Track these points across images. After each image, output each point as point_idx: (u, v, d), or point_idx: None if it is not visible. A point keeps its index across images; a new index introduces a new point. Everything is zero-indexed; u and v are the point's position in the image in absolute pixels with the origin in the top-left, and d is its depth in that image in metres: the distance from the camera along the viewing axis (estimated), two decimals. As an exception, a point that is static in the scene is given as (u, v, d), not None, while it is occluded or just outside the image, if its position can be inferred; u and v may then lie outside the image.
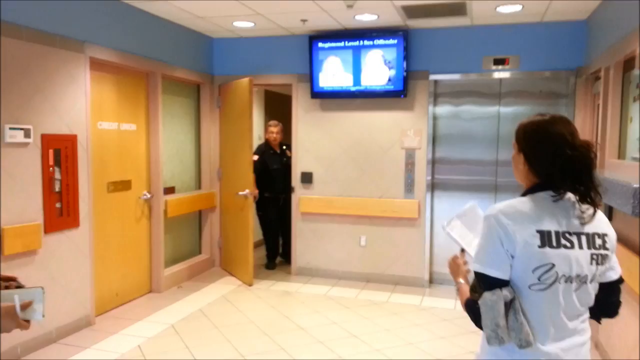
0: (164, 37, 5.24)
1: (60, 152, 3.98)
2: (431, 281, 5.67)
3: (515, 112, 5.34)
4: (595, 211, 1.48)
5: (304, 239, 6.00)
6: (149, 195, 5.14)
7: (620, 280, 1.59)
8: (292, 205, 6.01)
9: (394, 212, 5.64)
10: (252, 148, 5.55)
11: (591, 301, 1.51)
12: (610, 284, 1.57)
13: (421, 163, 5.56)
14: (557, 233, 1.43)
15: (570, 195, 1.48)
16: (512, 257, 1.43)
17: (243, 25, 5.38)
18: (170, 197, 5.42)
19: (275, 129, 6.18)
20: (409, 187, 5.62)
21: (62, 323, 4.03)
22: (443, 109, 5.56)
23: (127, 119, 4.90)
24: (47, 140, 3.86)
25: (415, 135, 5.55)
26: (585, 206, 1.47)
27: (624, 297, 3.21)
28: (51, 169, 3.91)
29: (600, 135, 4.11)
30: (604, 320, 1.69)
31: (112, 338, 4.09)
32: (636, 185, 2.25)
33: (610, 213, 3.56)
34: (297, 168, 5.96)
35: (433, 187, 5.62)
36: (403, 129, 5.59)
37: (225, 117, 6.03)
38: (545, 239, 1.42)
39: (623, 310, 3.22)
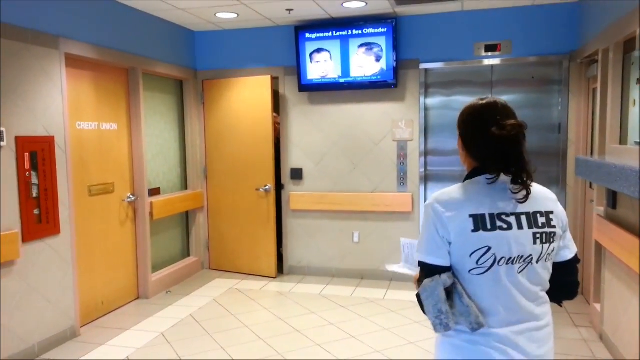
0: (143, 31, 5.01)
1: (36, 155, 3.75)
2: (427, 275, 5.54)
3: (507, 101, 5.11)
4: (528, 192, 1.45)
5: (295, 237, 5.83)
6: (133, 198, 4.92)
7: (575, 260, 1.56)
8: (282, 203, 5.84)
9: (387, 206, 5.49)
10: (273, 144, 5.63)
11: (543, 282, 1.48)
12: (566, 264, 1.54)
13: (413, 155, 5.41)
14: (491, 215, 1.42)
15: (505, 178, 1.46)
16: (450, 243, 1.44)
17: (226, 16, 5.17)
18: (155, 199, 5.21)
19: (275, 120, 6.02)
20: (402, 180, 5.47)
21: (44, 336, 3.81)
22: (434, 99, 5.40)
23: (107, 118, 4.68)
24: (22, 143, 3.63)
25: (407, 126, 5.40)
26: (517, 187, 1.45)
27: (631, 286, 3.11)
28: (27, 173, 3.68)
29: (600, 120, 3.99)
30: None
31: (99, 350, 3.88)
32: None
33: (614, 199, 3.46)
34: (287, 164, 5.78)
35: (426, 179, 5.48)
36: (394, 121, 5.44)
37: (219, 113, 5.89)
38: (479, 222, 1.41)
39: (632, 300, 3.13)
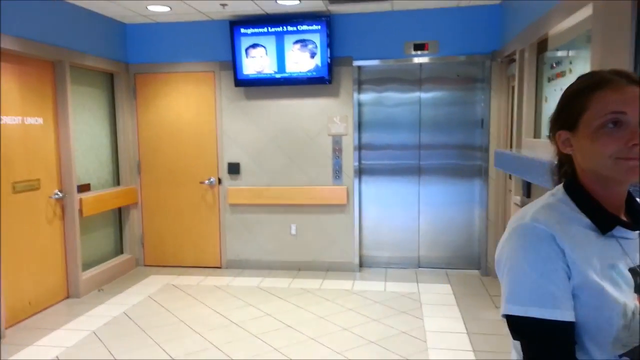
0: (70, 23, 4.84)
1: (-47, 150, 3.57)
2: (361, 265, 5.73)
3: (435, 97, 5.47)
4: None
5: (233, 231, 5.85)
6: (60, 194, 4.76)
7: (507, 322, 1.06)
8: (220, 197, 5.83)
9: (323, 199, 5.62)
10: (217, 138, 5.82)
11: None
12: None
13: (348, 149, 5.56)
14: None
15: None
16: None
17: (158, 9, 5.08)
18: (85, 195, 5.06)
19: None
20: (337, 173, 5.61)
21: (-34, 339, 3.65)
22: (367, 96, 5.58)
23: (32, 112, 4.49)
24: (-63, 137, 3.44)
25: (342, 121, 5.54)
26: None
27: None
28: (-56, 169, 3.49)
29: (517, 116, 4.29)
30: None
31: (25, 351, 3.75)
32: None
33: (529, 188, 3.74)
34: (224, 158, 5.77)
35: (360, 172, 5.66)
36: (329, 116, 5.56)
37: (154, 107, 5.86)
38: None
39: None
